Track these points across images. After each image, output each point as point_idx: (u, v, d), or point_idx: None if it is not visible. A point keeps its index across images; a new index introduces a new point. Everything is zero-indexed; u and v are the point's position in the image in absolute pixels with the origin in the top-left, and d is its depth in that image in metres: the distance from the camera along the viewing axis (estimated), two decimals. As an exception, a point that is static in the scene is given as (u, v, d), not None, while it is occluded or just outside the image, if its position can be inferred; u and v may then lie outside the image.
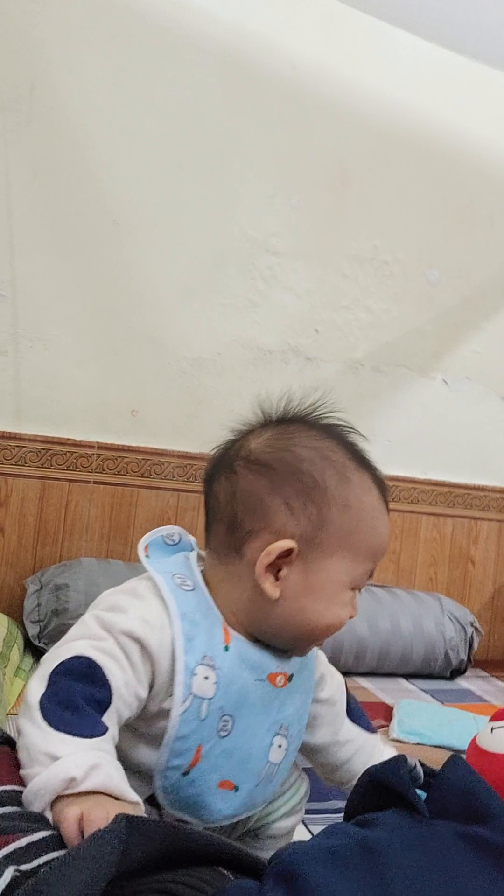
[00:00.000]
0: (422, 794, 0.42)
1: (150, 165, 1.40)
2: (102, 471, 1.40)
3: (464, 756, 0.89)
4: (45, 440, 1.36)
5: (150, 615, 0.55)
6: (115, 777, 0.46)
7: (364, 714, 0.70)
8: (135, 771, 0.55)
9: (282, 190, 1.49)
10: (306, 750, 0.67)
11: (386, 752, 0.69)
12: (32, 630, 1.24)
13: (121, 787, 0.46)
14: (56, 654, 0.53)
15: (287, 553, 0.56)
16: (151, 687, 0.54)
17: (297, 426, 0.62)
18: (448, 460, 1.64)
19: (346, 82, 1.51)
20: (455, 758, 0.42)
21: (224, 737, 0.55)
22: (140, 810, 0.46)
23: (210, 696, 0.54)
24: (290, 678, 0.60)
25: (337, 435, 0.62)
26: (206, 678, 0.54)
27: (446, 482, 1.63)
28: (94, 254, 1.37)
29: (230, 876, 0.37)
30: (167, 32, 1.38)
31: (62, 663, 0.52)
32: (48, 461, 1.36)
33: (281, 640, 0.59)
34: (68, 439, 1.38)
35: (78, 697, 0.50)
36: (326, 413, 0.64)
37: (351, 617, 0.60)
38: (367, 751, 0.68)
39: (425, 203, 1.60)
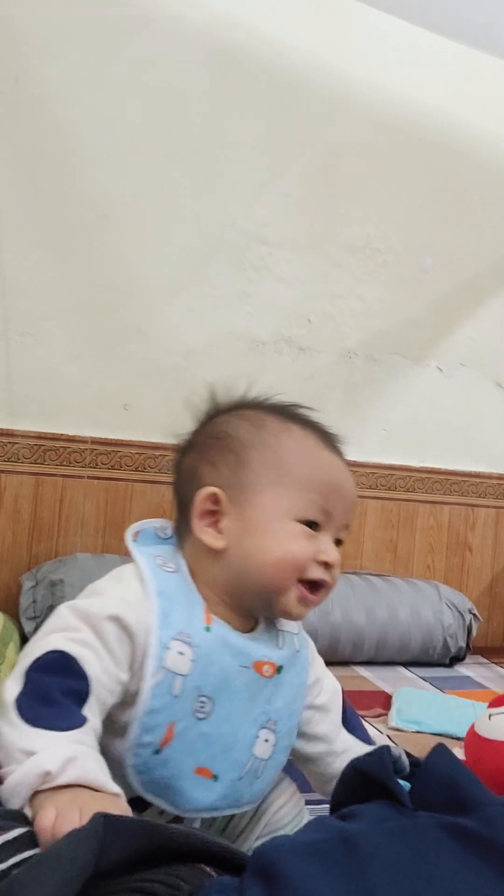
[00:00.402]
0: (408, 785, 0.42)
1: (138, 157, 1.38)
2: (96, 465, 1.39)
3: (462, 743, 0.89)
4: (39, 436, 1.35)
5: (127, 594, 0.56)
6: (93, 769, 0.46)
7: (361, 725, 0.71)
8: (116, 763, 0.54)
9: (272, 179, 1.48)
10: (300, 759, 0.66)
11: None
12: (29, 627, 1.24)
13: (100, 779, 0.46)
14: (31, 650, 0.53)
15: (214, 500, 0.59)
16: (132, 668, 0.54)
17: (230, 410, 0.65)
18: (444, 448, 1.63)
19: (335, 69, 1.49)
20: (438, 747, 0.42)
21: (201, 719, 0.55)
22: (121, 802, 0.46)
23: (185, 673, 0.54)
24: (278, 669, 0.59)
25: (265, 405, 0.65)
26: (182, 654, 0.54)
27: (442, 470, 1.62)
28: (83, 247, 1.36)
29: (211, 872, 0.36)
30: (152, 21, 1.37)
31: (37, 660, 0.51)
32: (41, 457, 1.35)
33: (252, 597, 0.59)
34: (62, 434, 1.37)
35: (55, 691, 0.50)
36: (270, 397, 0.66)
37: (325, 562, 0.58)
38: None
39: (417, 189, 1.58)
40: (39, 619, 1.24)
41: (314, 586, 0.59)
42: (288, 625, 0.64)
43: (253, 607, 0.60)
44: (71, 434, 1.37)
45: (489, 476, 1.66)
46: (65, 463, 1.37)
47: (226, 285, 1.46)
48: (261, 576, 0.58)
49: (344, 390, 1.56)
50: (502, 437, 1.68)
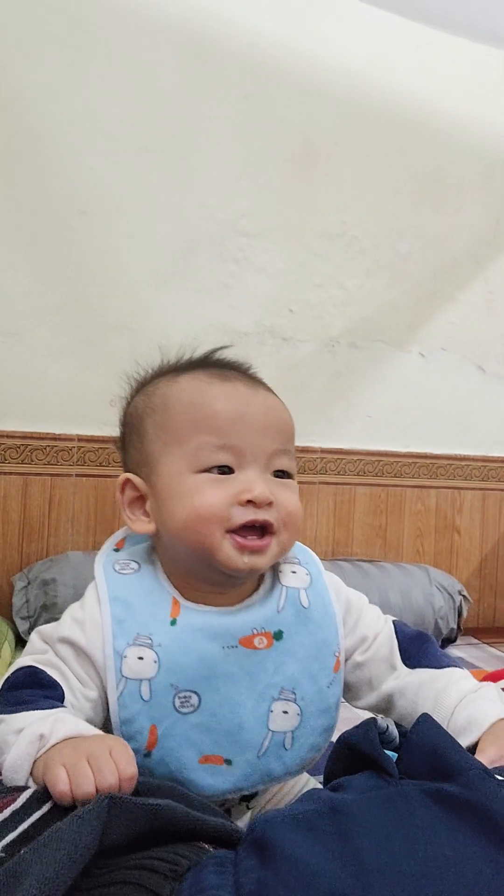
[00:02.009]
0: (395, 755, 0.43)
1: (113, 151, 1.38)
2: (84, 463, 1.39)
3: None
4: (25, 436, 1.35)
5: (80, 612, 0.56)
6: (80, 724, 0.47)
7: (432, 652, 0.61)
8: None
9: (249, 170, 1.48)
10: (381, 713, 0.61)
11: (463, 684, 0.58)
12: (22, 626, 1.24)
13: (89, 730, 0.47)
14: (4, 676, 0.55)
15: (133, 486, 0.58)
16: (103, 686, 0.54)
17: (137, 391, 0.63)
18: (429, 432, 1.64)
19: (307, 56, 1.49)
20: (423, 717, 0.43)
21: (188, 713, 0.53)
22: (108, 737, 0.47)
23: (151, 676, 0.53)
24: (276, 636, 0.56)
25: (164, 369, 0.62)
26: (141, 658, 0.53)
27: (428, 454, 1.64)
28: (61, 244, 1.36)
29: (210, 849, 0.37)
30: (124, 14, 1.36)
31: (6, 680, 0.53)
32: (28, 457, 1.36)
33: (199, 566, 0.55)
34: (48, 433, 1.37)
35: (29, 696, 0.51)
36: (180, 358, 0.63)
37: (246, 501, 0.52)
38: (434, 685, 0.58)
39: (392, 175, 1.59)
40: (33, 618, 1.24)
41: (254, 531, 0.54)
42: (292, 579, 0.59)
43: (215, 578, 0.56)
44: (57, 433, 1.37)
45: (474, 458, 1.68)
46: (52, 462, 1.37)
47: (207, 278, 1.46)
48: (184, 542, 0.54)
49: (328, 378, 1.57)
50: (485, 420, 1.69)
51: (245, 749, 0.55)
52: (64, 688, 0.52)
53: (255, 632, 0.56)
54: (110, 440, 1.41)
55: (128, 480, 0.58)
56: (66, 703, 0.52)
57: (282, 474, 0.57)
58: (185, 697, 0.53)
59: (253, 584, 0.59)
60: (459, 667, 0.61)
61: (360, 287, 1.58)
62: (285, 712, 0.55)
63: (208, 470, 0.54)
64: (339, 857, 0.31)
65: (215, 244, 1.46)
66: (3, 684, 0.53)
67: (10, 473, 1.34)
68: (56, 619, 0.58)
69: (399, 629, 0.63)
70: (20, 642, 1.24)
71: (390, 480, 1.60)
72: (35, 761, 0.45)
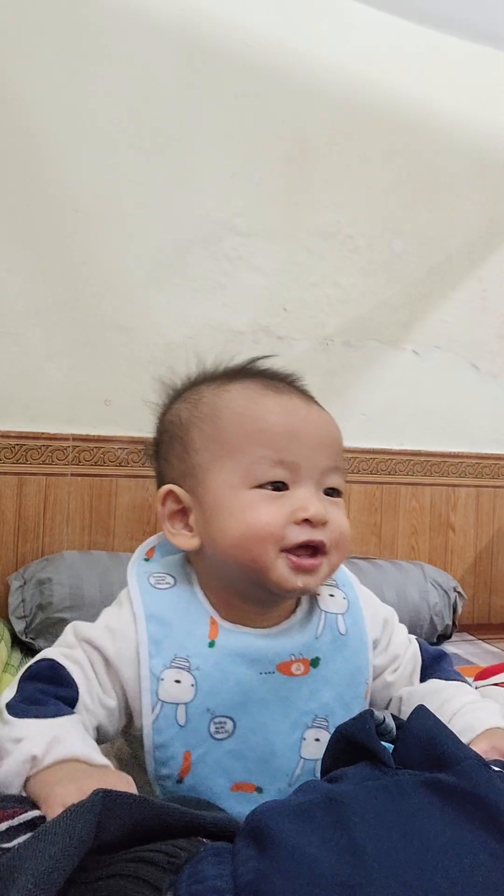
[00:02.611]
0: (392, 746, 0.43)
1: (108, 150, 1.38)
2: (79, 462, 1.39)
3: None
4: (19, 435, 1.35)
5: (115, 622, 0.54)
6: (76, 746, 0.45)
7: (446, 669, 0.61)
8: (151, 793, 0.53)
9: (243, 168, 1.48)
10: None
11: (467, 697, 0.57)
12: (18, 626, 1.24)
13: (85, 753, 0.45)
14: (30, 661, 0.54)
15: (175, 499, 0.55)
16: (126, 698, 0.52)
17: (176, 397, 0.61)
18: (423, 430, 1.65)
19: (301, 56, 1.50)
20: (419, 708, 0.43)
21: (222, 739, 0.51)
22: (110, 774, 0.46)
23: (187, 701, 0.51)
24: (312, 663, 0.54)
25: (206, 376, 0.59)
26: (179, 682, 0.51)
27: (423, 451, 1.64)
28: (56, 244, 1.36)
29: (208, 843, 0.38)
30: (118, 13, 1.36)
31: (28, 668, 0.52)
32: (23, 457, 1.35)
33: (247, 585, 0.53)
34: (43, 433, 1.37)
35: (41, 694, 0.50)
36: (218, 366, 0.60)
37: (302, 520, 0.50)
38: (441, 695, 0.57)
39: (386, 173, 1.59)
40: (28, 617, 1.24)
41: (306, 550, 0.52)
42: (330, 604, 0.57)
43: (260, 597, 0.54)
44: (52, 432, 1.37)
45: (468, 456, 1.68)
46: (47, 462, 1.37)
47: (201, 277, 1.46)
48: (234, 560, 0.52)
49: (322, 377, 1.57)
50: (479, 418, 1.70)
51: (277, 777, 0.53)
52: (82, 689, 0.51)
53: (292, 658, 0.54)
54: (105, 440, 1.42)
55: (170, 492, 0.55)
56: (78, 706, 0.50)
57: (332, 492, 0.55)
58: (220, 723, 0.51)
59: (291, 605, 0.57)
60: (469, 684, 0.60)
61: (354, 286, 1.58)
62: (317, 740, 0.54)
63: (262, 486, 0.52)
64: (336, 846, 0.31)
65: (210, 243, 1.47)
66: (24, 672, 0.52)
67: (5, 473, 1.34)
68: (58, 616, 0.58)
69: (423, 649, 0.63)
70: (16, 642, 1.24)
71: (385, 478, 1.60)
72: (28, 778, 0.44)
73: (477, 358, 1.70)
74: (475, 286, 1.69)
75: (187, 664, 0.51)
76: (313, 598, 0.58)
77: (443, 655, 0.63)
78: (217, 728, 0.51)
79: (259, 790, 0.52)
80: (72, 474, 1.38)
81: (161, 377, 0.62)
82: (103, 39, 1.36)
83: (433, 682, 0.60)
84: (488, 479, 1.69)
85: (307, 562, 0.51)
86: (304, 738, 0.53)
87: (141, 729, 0.51)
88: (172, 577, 0.56)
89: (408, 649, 0.62)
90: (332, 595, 0.59)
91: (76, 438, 1.39)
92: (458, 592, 1.49)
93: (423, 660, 0.62)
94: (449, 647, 1.47)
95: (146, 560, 0.59)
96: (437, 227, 1.64)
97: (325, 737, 0.53)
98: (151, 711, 0.51)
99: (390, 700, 0.61)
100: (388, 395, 1.62)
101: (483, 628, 1.63)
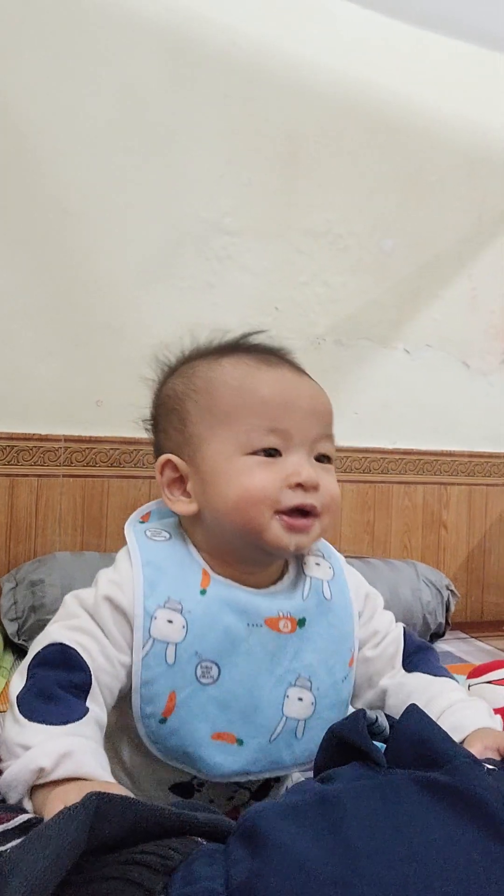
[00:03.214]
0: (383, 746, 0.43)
1: (98, 150, 1.38)
2: (71, 463, 1.39)
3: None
4: (11, 437, 1.35)
5: (115, 575, 0.56)
6: (87, 763, 0.46)
7: (432, 663, 0.62)
8: (134, 733, 0.54)
9: (232, 168, 1.48)
10: (381, 708, 0.61)
11: (455, 695, 0.58)
12: (11, 628, 1.23)
13: (95, 773, 0.45)
14: (36, 644, 0.54)
15: (173, 467, 0.58)
16: (132, 647, 0.54)
17: (170, 373, 0.63)
18: (415, 428, 1.65)
19: (289, 55, 1.50)
20: (411, 707, 0.44)
21: (207, 684, 0.53)
22: (112, 786, 0.46)
23: (178, 641, 0.53)
24: (299, 623, 0.56)
25: (200, 351, 0.63)
26: (171, 622, 0.53)
27: (415, 450, 1.65)
28: (45, 245, 1.35)
29: (202, 842, 0.38)
30: (104, 13, 1.36)
31: (37, 654, 0.52)
32: (15, 458, 1.35)
33: (244, 547, 0.56)
34: (34, 434, 1.37)
35: (54, 686, 0.50)
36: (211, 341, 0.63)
37: (295, 484, 0.53)
38: (428, 691, 0.58)
39: (375, 172, 1.60)
40: (21, 619, 1.24)
41: (299, 512, 0.55)
42: (316, 571, 0.60)
43: (254, 557, 0.57)
44: (44, 433, 1.37)
45: (460, 454, 1.69)
46: (39, 463, 1.37)
47: (191, 277, 1.46)
48: (232, 523, 0.54)
49: (314, 376, 1.56)
50: (471, 416, 1.71)
51: (258, 731, 0.55)
52: (99, 656, 0.52)
53: (280, 614, 0.56)
54: (97, 440, 1.42)
55: (168, 461, 0.58)
56: (92, 690, 0.51)
57: (323, 458, 0.58)
58: (206, 668, 0.53)
59: (278, 571, 0.60)
60: (456, 680, 0.62)
61: (344, 285, 1.58)
62: (300, 699, 0.56)
63: (256, 452, 0.55)
64: (329, 846, 0.31)
65: (199, 243, 1.46)
66: (33, 658, 0.52)
67: (-3, 475, 1.34)
68: (50, 618, 0.58)
69: (407, 635, 0.65)
70: (8, 644, 1.23)
71: (377, 477, 1.61)
72: (32, 788, 0.45)
73: (468, 356, 1.70)
74: (465, 284, 1.69)
75: (180, 606, 0.54)
76: (300, 565, 0.61)
77: (428, 648, 0.65)
78: (203, 672, 0.53)
79: (240, 742, 0.54)
80: (64, 475, 1.38)
81: (156, 356, 0.66)
82: (94, 41, 1.36)
83: (420, 677, 0.61)
84: (480, 478, 1.70)
85: (300, 521, 0.54)
86: (288, 696, 0.55)
87: (131, 667, 0.53)
88: (168, 532, 0.59)
89: (391, 631, 0.64)
90: (318, 564, 0.62)
91: (68, 439, 1.38)
92: (451, 591, 1.50)
93: (406, 647, 0.63)
94: (442, 646, 1.48)
95: (141, 522, 0.62)
96: (426, 226, 1.64)
97: (308, 697, 0.55)
98: (142, 647, 0.53)
99: (374, 690, 0.62)
100: (379, 394, 1.62)
101: (476, 626, 1.63)
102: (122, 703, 0.55)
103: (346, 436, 1.59)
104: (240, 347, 0.61)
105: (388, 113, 1.59)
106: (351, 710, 0.60)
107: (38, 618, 1.20)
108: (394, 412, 1.64)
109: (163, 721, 0.53)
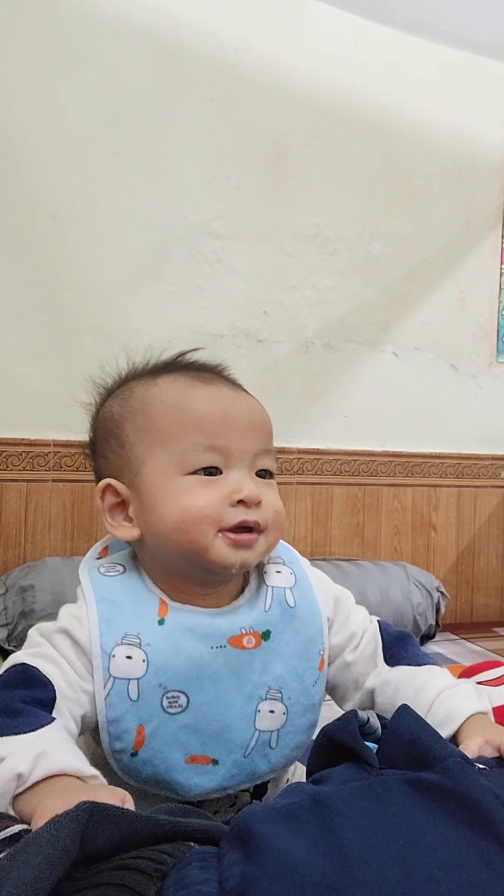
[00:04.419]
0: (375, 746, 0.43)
1: (85, 154, 1.38)
2: (60, 468, 1.38)
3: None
4: (0, 442, 1.34)
5: (75, 609, 0.56)
6: (64, 758, 0.45)
7: (412, 652, 0.62)
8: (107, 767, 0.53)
9: (221, 172, 1.48)
10: (366, 708, 0.60)
11: (440, 681, 0.58)
12: (1, 634, 1.23)
13: (73, 765, 0.45)
14: None
15: (113, 492, 0.57)
16: (94, 687, 0.53)
17: (107, 397, 0.62)
18: (404, 431, 1.66)
19: (276, 60, 1.50)
20: (402, 707, 0.44)
21: (176, 713, 0.53)
22: (101, 789, 0.45)
23: (139, 676, 0.52)
24: (263, 636, 0.56)
25: (136, 373, 0.62)
26: (129, 657, 0.52)
27: (404, 453, 1.65)
28: (33, 249, 1.35)
29: (194, 846, 0.37)
30: (94, 17, 1.36)
31: (0, 678, 0.52)
32: (4, 463, 1.34)
33: (190, 567, 0.55)
34: (23, 439, 1.36)
35: (17, 703, 0.49)
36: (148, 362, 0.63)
37: (237, 501, 0.53)
38: (414, 683, 0.58)
39: (362, 176, 1.60)
40: (11, 625, 1.23)
41: (243, 528, 0.54)
42: (277, 579, 0.60)
43: (202, 578, 0.56)
44: (33, 438, 1.36)
45: (449, 456, 1.70)
46: (28, 468, 1.36)
47: (181, 281, 1.46)
48: (175, 545, 0.54)
49: (303, 379, 1.57)
50: (459, 418, 1.72)
51: (232, 749, 0.54)
52: (60, 682, 0.51)
53: (243, 631, 0.56)
54: (86, 445, 1.41)
55: (108, 485, 0.57)
56: (57, 705, 0.50)
57: (264, 474, 0.57)
58: (173, 698, 0.53)
59: (238, 586, 0.59)
60: (438, 665, 0.62)
61: (333, 288, 1.59)
62: (272, 711, 0.55)
63: (196, 472, 0.54)
64: (322, 848, 0.31)
65: (188, 247, 1.46)
66: None
67: (-15, 480, 1.33)
68: (43, 622, 0.58)
69: (383, 628, 0.64)
70: (0, 651, 1.23)
71: (367, 479, 1.61)
72: (15, 796, 0.44)
73: (456, 358, 1.71)
74: (453, 287, 1.70)
75: (138, 640, 0.53)
76: (260, 575, 0.61)
77: (407, 636, 0.64)
78: (170, 702, 0.53)
79: (215, 762, 0.54)
80: (53, 480, 1.38)
81: (91, 377, 0.64)
82: (79, 45, 1.36)
83: (403, 670, 0.61)
84: (469, 479, 1.71)
85: (244, 537, 0.54)
86: (259, 711, 0.55)
87: (96, 706, 0.53)
88: (122, 566, 0.59)
89: (367, 629, 0.64)
90: (278, 571, 0.61)
91: (57, 444, 1.38)
92: (441, 592, 1.50)
93: (384, 640, 0.63)
94: (433, 647, 1.48)
95: (98, 558, 0.62)
96: (414, 230, 1.65)
97: (280, 708, 0.55)
98: (103, 687, 0.52)
99: (361, 692, 0.62)
100: (368, 397, 1.63)
101: (466, 627, 1.64)
102: (93, 736, 0.55)
103: (335, 438, 1.59)
104: (175, 366, 0.60)
105: (376, 117, 1.60)
106: (333, 713, 0.60)
107: (28, 623, 1.19)
108: (383, 415, 1.64)
109: (134, 754, 0.53)
